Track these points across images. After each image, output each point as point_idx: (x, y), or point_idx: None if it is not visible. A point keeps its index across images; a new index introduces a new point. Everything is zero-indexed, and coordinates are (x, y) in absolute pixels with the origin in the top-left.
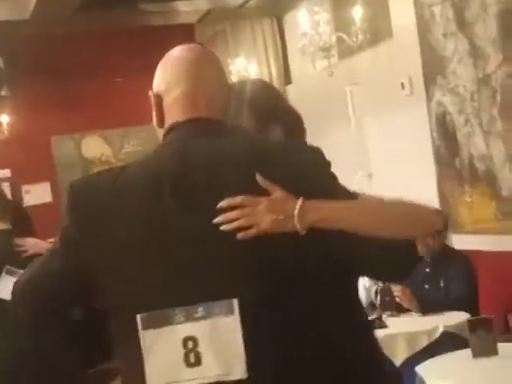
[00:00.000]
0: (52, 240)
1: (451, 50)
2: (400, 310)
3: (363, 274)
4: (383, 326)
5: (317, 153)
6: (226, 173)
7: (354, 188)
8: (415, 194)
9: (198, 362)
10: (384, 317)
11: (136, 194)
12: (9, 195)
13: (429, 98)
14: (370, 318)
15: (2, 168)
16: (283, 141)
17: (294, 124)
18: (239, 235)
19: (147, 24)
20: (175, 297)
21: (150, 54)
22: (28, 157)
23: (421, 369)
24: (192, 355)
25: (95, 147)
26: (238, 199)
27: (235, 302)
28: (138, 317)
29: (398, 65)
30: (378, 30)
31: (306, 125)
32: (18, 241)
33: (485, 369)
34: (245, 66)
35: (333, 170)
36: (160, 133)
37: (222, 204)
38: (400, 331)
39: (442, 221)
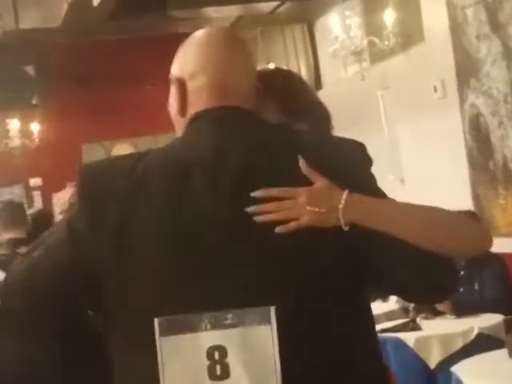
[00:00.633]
0: None
1: (484, 52)
2: (435, 312)
3: (394, 293)
4: (417, 328)
5: (361, 148)
6: (265, 163)
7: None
8: (449, 198)
9: (225, 374)
10: (418, 319)
11: (160, 184)
12: (39, 204)
13: (462, 101)
14: (402, 321)
15: (33, 177)
16: (325, 133)
17: (320, 115)
18: (278, 229)
19: (177, 31)
20: (201, 300)
21: None
22: (59, 165)
23: (457, 369)
24: (218, 367)
25: None
26: (276, 191)
27: (272, 309)
28: (156, 321)
29: (430, 68)
30: (410, 33)
31: (337, 130)
32: None
33: None
34: None
35: None
36: (180, 122)
37: (257, 194)
38: (434, 333)
39: (491, 241)
